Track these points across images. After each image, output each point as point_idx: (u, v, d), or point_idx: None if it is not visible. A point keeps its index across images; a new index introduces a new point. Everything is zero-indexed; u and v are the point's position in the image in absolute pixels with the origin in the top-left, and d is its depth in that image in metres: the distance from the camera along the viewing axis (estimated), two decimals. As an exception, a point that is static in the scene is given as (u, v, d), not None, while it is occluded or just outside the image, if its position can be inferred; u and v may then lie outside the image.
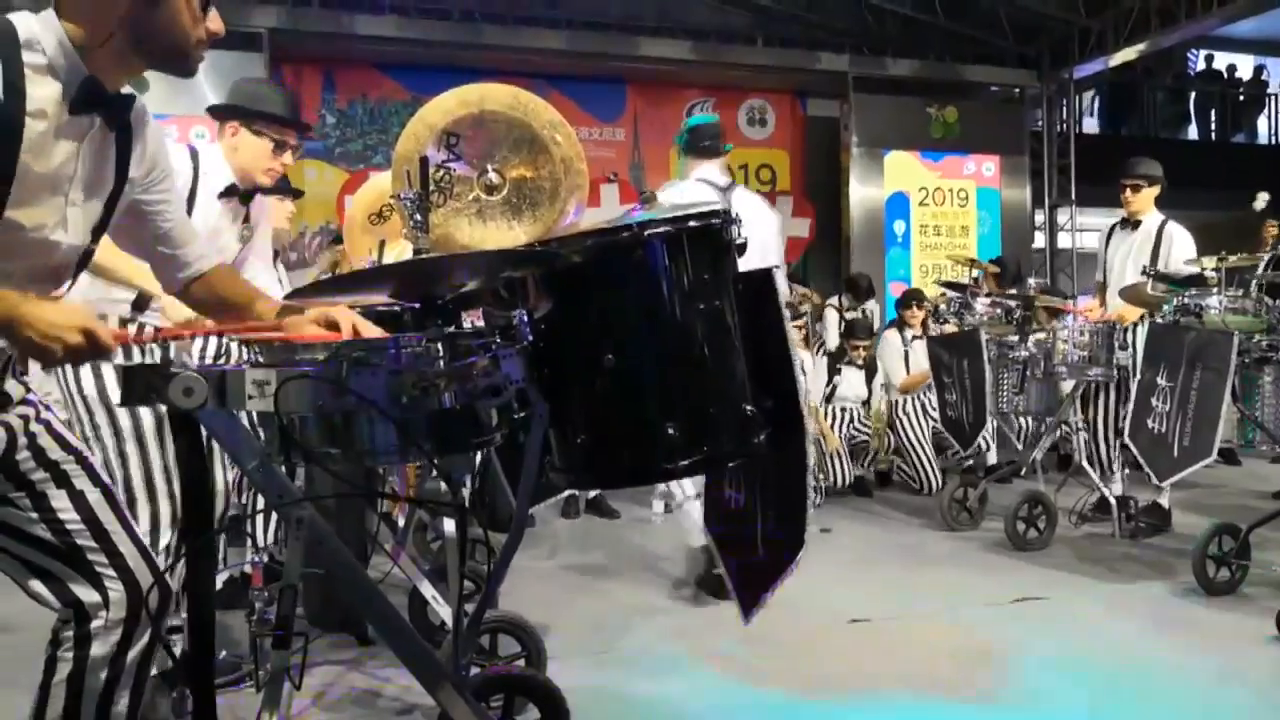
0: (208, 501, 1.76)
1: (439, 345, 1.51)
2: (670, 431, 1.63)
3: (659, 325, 1.67)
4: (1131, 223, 5.30)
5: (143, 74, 1.72)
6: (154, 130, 1.82)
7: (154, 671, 2.79)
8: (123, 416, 2.62)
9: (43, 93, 1.56)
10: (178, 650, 2.61)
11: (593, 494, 5.91)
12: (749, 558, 1.91)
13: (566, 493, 5.71)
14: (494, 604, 3.31)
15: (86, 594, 1.71)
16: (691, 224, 1.69)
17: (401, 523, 3.33)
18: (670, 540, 5.22)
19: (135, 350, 2.72)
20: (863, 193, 9.95)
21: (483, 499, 4.90)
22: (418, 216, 1.74)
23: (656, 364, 1.68)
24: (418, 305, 1.58)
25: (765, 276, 1.77)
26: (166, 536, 2.65)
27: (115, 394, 2.60)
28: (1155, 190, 5.26)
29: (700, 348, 1.69)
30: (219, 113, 2.94)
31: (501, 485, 3.32)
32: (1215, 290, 4.03)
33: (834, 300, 8.43)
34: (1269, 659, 3.26)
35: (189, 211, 2.61)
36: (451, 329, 1.61)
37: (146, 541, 2.26)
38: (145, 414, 2.63)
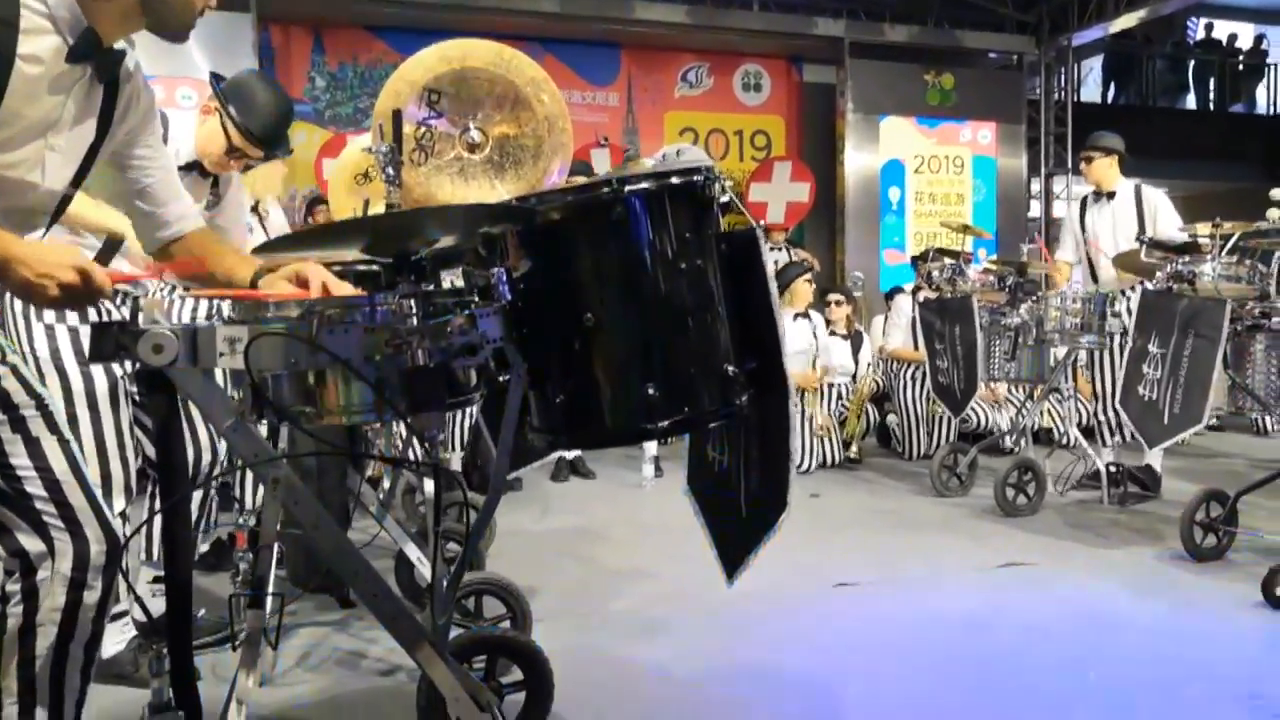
0: (181, 461, 1.75)
1: (412, 302, 1.48)
2: (650, 392, 1.61)
3: (639, 284, 1.64)
4: (1105, 194, 5.31)
5: (136, 31, 1.74)
6: (144, 86, 1.85)
7: (134, 632, 2.81)
8: (75, 379, 2.54)
9: (41, 42, 1.58)
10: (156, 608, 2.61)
11: (571, 455, 5.90)
12: (732, 519, 1.89)
13: (556, 455, 5.71)
14: (481, 566, 3.32)
15: (31, 543, 1.69)
16: (673, 181, 1.66)
17: (386, 484, 3.32)
18: (660, 504, 5.24)
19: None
20: (858, 159, 9.88)
21: (475, 462, 4.90)
22: (390, 170, 1.71)
23: (637, 323, 1.65)
24: (391, 261, 1.55)
25: (750, 236, 1.75)
26: (120, 503, 2.59)
27: (68, 355, 2.54)
28: (1111, 159, 5.33)
29: (681, 307, 1.66)
30: (214, 87, 2.88)
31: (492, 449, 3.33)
32: (1209, 257, 4.01)
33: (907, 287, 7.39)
34: (1255, 624, 3.27)
35: None
36: (428, 287, 1.59)
37: None
38: (98, 377, 2.56)
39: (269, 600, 2.44)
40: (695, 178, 1.68)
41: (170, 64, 6.69)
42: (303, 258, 1.70)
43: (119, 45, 1.72)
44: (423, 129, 2.13)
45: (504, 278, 1.65)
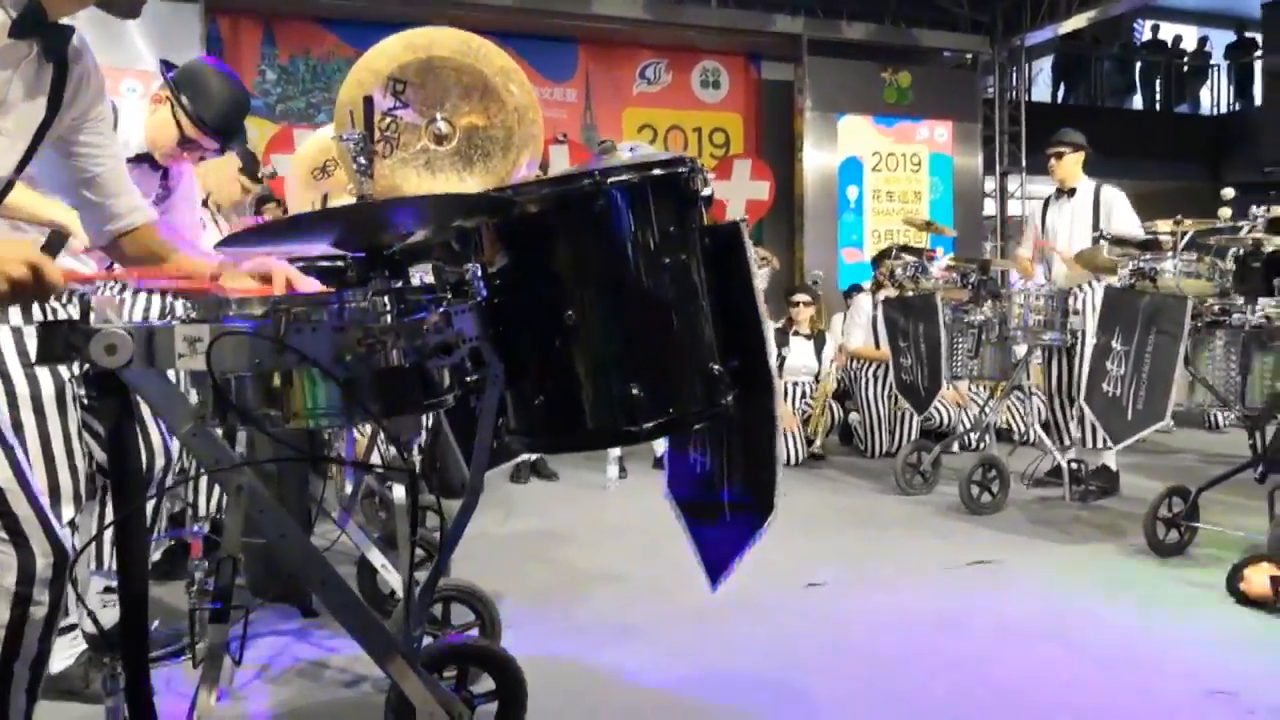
0: (136, 467, 1.65)
1: (385, 299, 1.40)
2: (634, 392, 1.54)
3: (622, 279, 1.58)
4: (1066, 191, 5.36)
5: (85, 7, 1.64)
6: (94, 69, 1.75)
7: (84, 645, 2.69)
8: (19, 382, 2.39)
9: None
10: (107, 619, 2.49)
11: (534, 456, 5.82)
12: (716, 523, 1.84)
13: (519, 457, 5.63)
14: (446, 572, 3.24)
15: None
16: (656, 172, 1.60)
17: (349, 488, 3.22)
18: (625, 505, 5.18)
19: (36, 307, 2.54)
20: (817, 157, 9.89)
21: (433, 464, 4.80)
22: (361, 160, 1.63)
23: (619, 321, 1.58)
24: (362, 255, 1.47)
25: (733, 230, 1.69)
26: (69, 511, 2.47)
27: (11, 358, 2.41)
28: (1080, 156, 5.34)
29: (665, 304, 1.60)
30: (164, 75, 2.77)
31: (453, 450, 3.23)
32: (1170, 254, 4.04)
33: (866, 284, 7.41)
34: (1218, 618, 3.29)
35: None
36: (399, 283, 1.51)
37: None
38: (44, 380, 2.42)
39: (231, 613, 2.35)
40: (679, 169, 1.62)
41: (115, 55, 6.48)
42: (267, 253, 1.61)
43: (66, 22, 1.62)
44: (388, 119, 2.05)
45: (479, 273, 1.58)
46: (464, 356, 1.51)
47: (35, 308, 2.47)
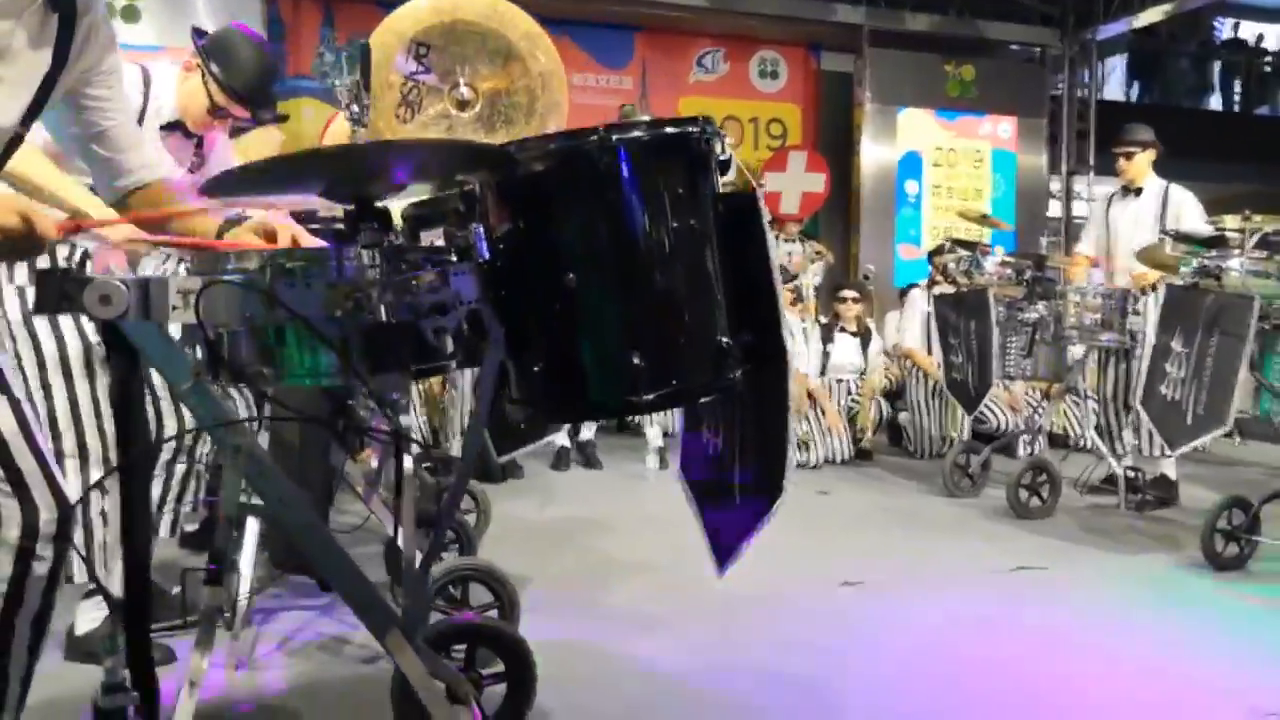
0: (141, 426, 1.62)
1: (373, 253, 1.35)
2: (636, 361, 1.47)
3: (626, 243, 1.50)
4: (1133, 190, 5.16)
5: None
6: (104, 21, 1.73)
7: (106, 609, 2.70)
8: (47, 343, 2.43)
9: None
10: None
11: (582, 439, 5.78)
12: (725, 506, 1.76)
13: (559, 445, 5.60)
14: (473, 552, 3.21)
15: None
16: (667, 130, 1.52)
17: (374, 464, 3.20)
18: (662, 496, 5.11)
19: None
20: (875, 151, 9.68)
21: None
22: (354, 107, 1.57)
23: (622, 286, 1.51)
24: (351, 206, 1.42)
25: (749, 200, 1.61)
26: (96, 474, 2.49)
27: (40, 319, 2.42)
28: (1151, 155, 5.13)
29: (672, 270, 1.52)
30: (195, 43, 2.78)
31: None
32: (1237, 251, 3.85)
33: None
34: (1274, 637, 3.12)
35: None
36: (397, 242, 1.45)
37: (75, 479, 2.12)
38: (71, 342, 2.45)
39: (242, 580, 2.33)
40: (691, 129, 1.54)
41: (180, 36, 6.57)
42: (256, 202, 1.57)
43: None
44: (410, 83, 2.00)
45: (482, 234, 1.52)
46: (462, 320, 1.45)
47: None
